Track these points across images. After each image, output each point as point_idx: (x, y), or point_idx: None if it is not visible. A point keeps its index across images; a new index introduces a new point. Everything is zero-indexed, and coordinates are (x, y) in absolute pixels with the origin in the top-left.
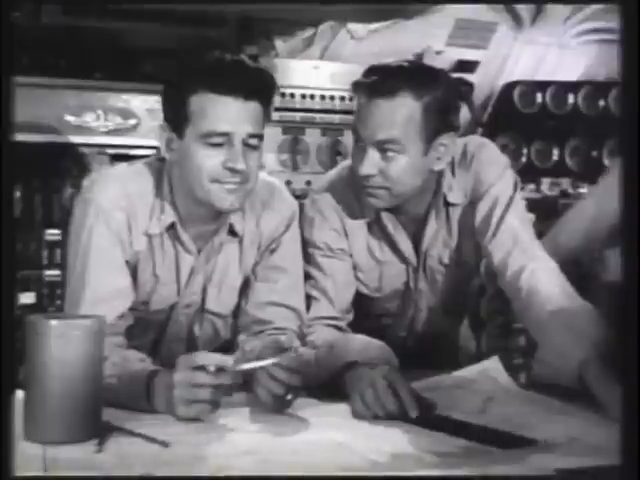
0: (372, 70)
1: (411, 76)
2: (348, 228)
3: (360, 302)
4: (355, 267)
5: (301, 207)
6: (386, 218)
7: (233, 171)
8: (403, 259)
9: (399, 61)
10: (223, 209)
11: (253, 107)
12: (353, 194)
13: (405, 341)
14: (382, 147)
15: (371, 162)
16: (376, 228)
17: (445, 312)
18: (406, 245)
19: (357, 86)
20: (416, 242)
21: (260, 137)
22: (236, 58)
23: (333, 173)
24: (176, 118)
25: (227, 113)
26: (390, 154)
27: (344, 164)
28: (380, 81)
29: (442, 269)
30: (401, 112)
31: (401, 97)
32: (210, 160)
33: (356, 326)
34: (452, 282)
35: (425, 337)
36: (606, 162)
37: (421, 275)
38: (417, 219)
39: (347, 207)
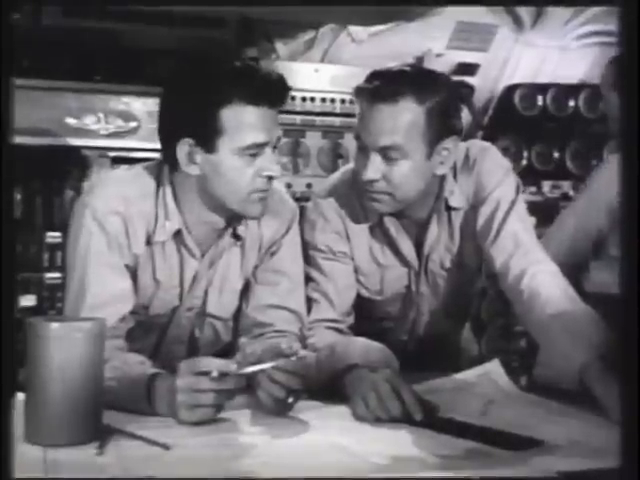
0: (374, 75)
1: (413, 81)
2: (350, 231)
3: (361, 305)
4: (357, 270)
5: (304, 210)
6: (389, 222)
7: (269, 178)
8: (405, 263)
9: (401, 66)
10: (254, 217)
11: (275, 112)
12: (356, 198)
13: (406, 344)
14: (385, 153)
15: (374, 167)
16: (378, 232)
17: (446, 315)
18: (408, 249)
19: (359, 91)
20: (418, 246)
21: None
22: (264, 69)
23: (336, 176)
24: (205, 132)
25: (263, 123)
26: (393, 159)
27: (347, 168)
28: (383, 86)
29: (444, 273)
30: (404, 117)
31: (404, 102)
32: (246, 171)
33: (357, 329)
34: (453, 285)
35: (426, 340)
36: None
37: (423, 279)
38: (419, 223)
39: (350, 211)
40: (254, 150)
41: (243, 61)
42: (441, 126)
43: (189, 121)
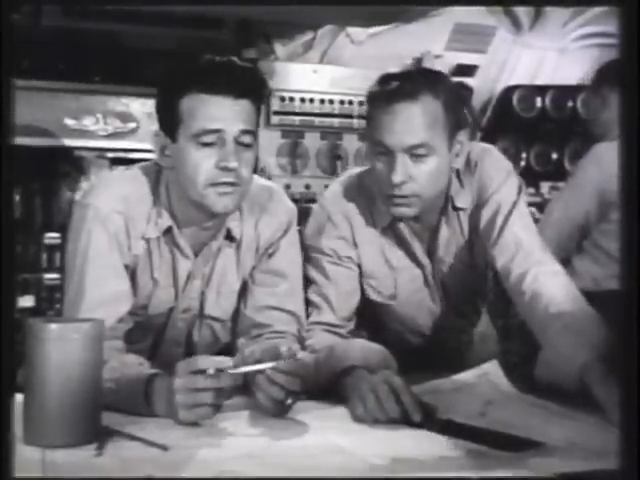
0: (387, 77)
1: (426, 76)
2: (358, 237)
3: (374, 309)
4: (367, 275)
5: (310, 213)
6: (402, 226)
7: (226, 170)
8: (418, 264)
9: (405, 67)
10: (217, 211)
11: (244, 105)
12: (364, 202)
13: (420, 346)
14: (412, 152)
15: (403, 168)
16: (390, 235)
17: (459, 315)
18: (421, 251)
19: (374, 95)
20: (430, 249)
21: (253, 135)
22: (225, 59)
23: (343, 180)
24: (169, 122)
25: (218, 111)
26: (421, 157)
27: (353, 171)
28: (401, 85)
29: (456, 273)
30: (426, 113)
31: (423, 98)
32: (203, 162)
33: (371, 332)
34: (466, 285)
35: (440, 341)
36: None
37: (435, 280)
38: (430, 227)
39: (358, 215)
40: (208, 138)
41: (211, 55)
42: (455, 118)
43: (159, 113)
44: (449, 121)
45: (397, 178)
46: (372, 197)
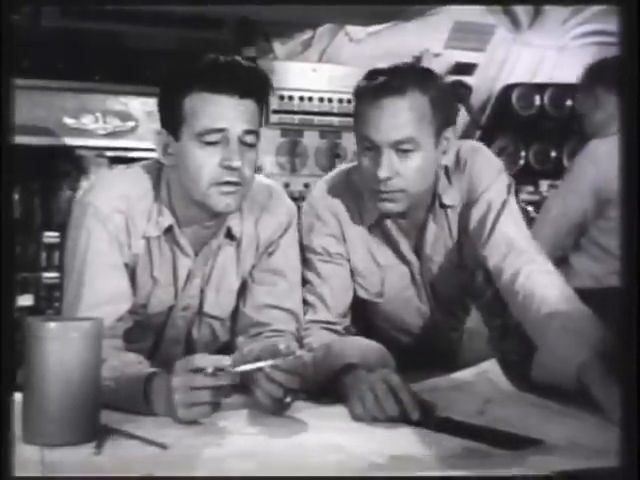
0: (374, 72)
1: (415, 72)
2: (347, 233)
3: (363, 307)
4: (355, 272)
5: (299, 211)
6: (389, 223)
7: (230, 169)
8: (405, 262)
9: (395, 63)
10: (219, 211)
11: (248, 105)
12: (352, 199)
13: (409, 344)
14: (399, 147)
15: (389, 164)
16: (377, 232)
17: (448, 313)
18: (408, 249)
19: (361, 90)
20: (417, 246)
21: (256, 134)
22: (230, 58)
23: (331, 177)
24: (172, 120)
25: (222, 110)
26: (407, 153)
27: (341, 168)
28: (388, 80)
29: (444, 271)
30: (413, 109)
31: (411, 93)
32: (207, 161)
33: (359, 330)
34: (454, 283)
35: (429, 340)
36: None
37: (423, 278)
38: (417, 225)
39: (346, 212)
40: (212, 137)
41: (215, 54)
42: (443, 114)
43: (161, 111)
44: (436, 117)
45: (383, 173)
46: (359, 194)
